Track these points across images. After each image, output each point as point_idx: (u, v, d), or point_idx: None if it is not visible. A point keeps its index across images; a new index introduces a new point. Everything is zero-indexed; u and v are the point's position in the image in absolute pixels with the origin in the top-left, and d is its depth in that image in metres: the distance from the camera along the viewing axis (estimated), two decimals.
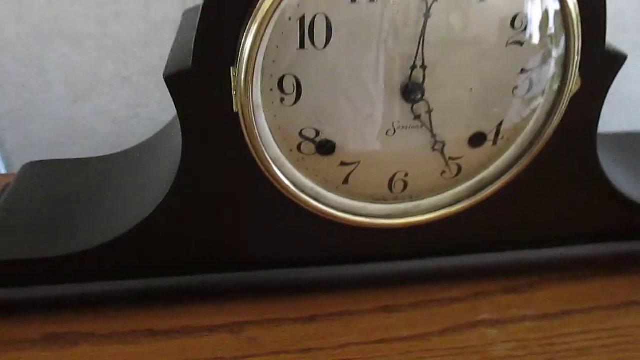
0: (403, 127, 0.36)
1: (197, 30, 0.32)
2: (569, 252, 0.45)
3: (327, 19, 0.32)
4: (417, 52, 0.33)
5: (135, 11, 0.64)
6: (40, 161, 0.51)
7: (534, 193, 0.42)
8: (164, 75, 0.34)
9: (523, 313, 0.44)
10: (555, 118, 0.36)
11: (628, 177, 0.47)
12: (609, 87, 0.38)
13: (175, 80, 0.34)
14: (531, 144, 0.38)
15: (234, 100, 0.33)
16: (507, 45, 0.34)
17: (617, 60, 0.37)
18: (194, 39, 0.33)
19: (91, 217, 0.43)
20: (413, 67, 0.33)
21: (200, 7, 0.32)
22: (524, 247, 0.44)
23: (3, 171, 0.72)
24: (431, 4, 0.31)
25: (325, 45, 0.32)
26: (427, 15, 0.32)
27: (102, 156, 0.50)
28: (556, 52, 0.35)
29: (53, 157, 0.66)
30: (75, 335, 0.41)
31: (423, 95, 0.34)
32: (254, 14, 0.31)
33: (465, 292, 0.45)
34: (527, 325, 0.43)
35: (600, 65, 0.37)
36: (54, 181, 0.48)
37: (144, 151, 0.47)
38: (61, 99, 0.69)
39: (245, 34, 0.31)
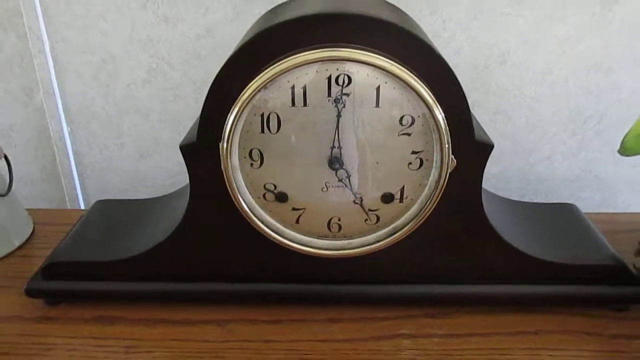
0: (332, 186, 0.53)
1: (200, 117, 0.52)
2: (478, 290, 0.59)
3: (277, 115, 0.50)
4: (334, 138, 0.51)
5: (189, 95, 0.86)
6: (106, 200, 0.72)
7: (435, 240, 0.57)
8: (179, 144, 0.54)
9: (435, 332, 0.58)
10: (440, 186, 0.52)
11: (544, 240, 0.61)
12: (484, 166, 0.54)
13: (186, 149, 0.53)
14: (427, 203, 0.54)
15: (221, 163, 0.52)
16: (398, 135, 0.51)
17: (485, 147, 0.53)
18: (198, 122, 0.52)
19: (133, 239, 0.63)
20: (332, 147, 0.51)
21: (203, 102, 0.52)
22: (439, 282, 0.59)
23: (83, 208, 0.95)
24: (341, 110, 0.49)
25: (277, 131, 0.51)
26: (338, 116, 0.50)
27: (147, 199, 0.71)
28: (436, 142, 0.51)
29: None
30: (113, 318, 0.60)
31: (342, 166, 0.52)
32: (232, 109, 0.50)
33: (395, 313, 0.60)
34: (435, 340, 0.57)
35: (473, 150, 0.53)
36: (113, 214, 0.69)
37: (172, 198, 0.66)
38: (130, 156, 0.91)
39: (227, 122, 0.50)
